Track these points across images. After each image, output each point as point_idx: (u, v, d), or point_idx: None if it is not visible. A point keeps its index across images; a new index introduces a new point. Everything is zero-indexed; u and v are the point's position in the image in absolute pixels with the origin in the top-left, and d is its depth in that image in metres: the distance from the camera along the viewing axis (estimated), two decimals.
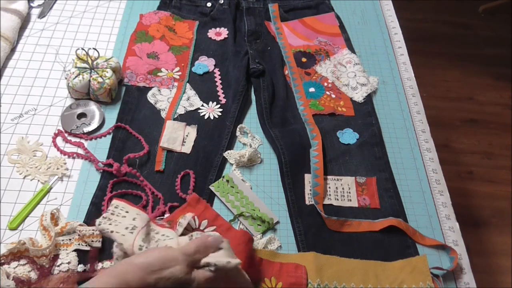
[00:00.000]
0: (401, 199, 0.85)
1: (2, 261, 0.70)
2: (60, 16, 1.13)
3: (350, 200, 0.84)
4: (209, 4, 1.16)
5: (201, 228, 0.76)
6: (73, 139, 0.89)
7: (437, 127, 1.04)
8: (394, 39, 1.15)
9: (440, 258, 0.78)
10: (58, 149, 0.87)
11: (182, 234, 0.71)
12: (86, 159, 0.86)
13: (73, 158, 0.86)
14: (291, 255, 0.75)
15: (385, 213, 0.83)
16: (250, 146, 0.90)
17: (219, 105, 0.97)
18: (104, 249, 0.74)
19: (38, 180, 0.83)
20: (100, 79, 0.92)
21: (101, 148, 0.88)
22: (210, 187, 0.84)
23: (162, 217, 0.79)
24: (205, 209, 0.79)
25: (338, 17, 1.17)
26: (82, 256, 0.73)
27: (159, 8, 1.15)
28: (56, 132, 0.89)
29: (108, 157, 0.86)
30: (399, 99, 1.02)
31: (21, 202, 0.80)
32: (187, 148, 0.89)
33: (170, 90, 0.98)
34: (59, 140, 0.88)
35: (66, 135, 0.89)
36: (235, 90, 0.99)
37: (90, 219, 0.78)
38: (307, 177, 0.86)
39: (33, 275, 0.70)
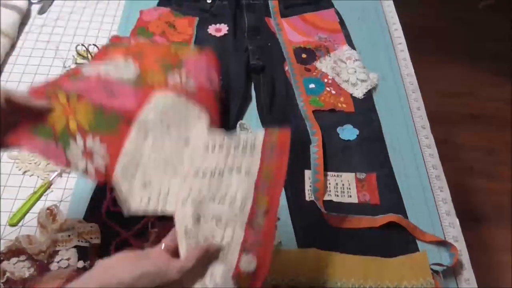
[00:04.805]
0: (401, 195, 0.85)
1: (2, 258, 0.70)
2: (60, 12, 1.13)
3: (350, 196, 0.84)
4: (209, 0, 1.16)
5: None
6: None
7: (437, 123, 1.04)
8: (394, 35, 1.15)
9: (440, 254, 0.78)
10: None
11: None
12: None
13: None
14: (292, 251, 0.75)
15: (385, 209, 0.82)
16: None
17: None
18: (104, 244, 0.74)
19: (38, 176, 0.83)
20: None
21: None
22: None
23: None
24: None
25: (338, 13, 1.16)
26: (82, 252, 0.73)
27: (159, 4, 1.14)
28: None
29: None
30: (399, 95, 1.02)
31: (21, 198, 0.80)
32: None
33: None
34: None
35: None
36: (235, 86, 0.98)
37: (90, 215, 0.77)
38: (307, 173, 0.86)
39: (28, 274, 0.70)
